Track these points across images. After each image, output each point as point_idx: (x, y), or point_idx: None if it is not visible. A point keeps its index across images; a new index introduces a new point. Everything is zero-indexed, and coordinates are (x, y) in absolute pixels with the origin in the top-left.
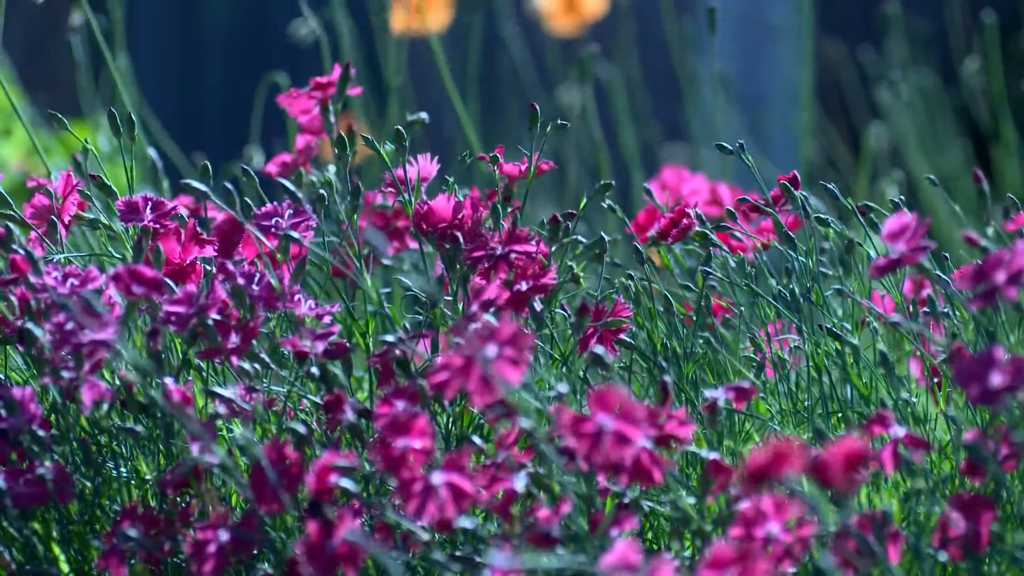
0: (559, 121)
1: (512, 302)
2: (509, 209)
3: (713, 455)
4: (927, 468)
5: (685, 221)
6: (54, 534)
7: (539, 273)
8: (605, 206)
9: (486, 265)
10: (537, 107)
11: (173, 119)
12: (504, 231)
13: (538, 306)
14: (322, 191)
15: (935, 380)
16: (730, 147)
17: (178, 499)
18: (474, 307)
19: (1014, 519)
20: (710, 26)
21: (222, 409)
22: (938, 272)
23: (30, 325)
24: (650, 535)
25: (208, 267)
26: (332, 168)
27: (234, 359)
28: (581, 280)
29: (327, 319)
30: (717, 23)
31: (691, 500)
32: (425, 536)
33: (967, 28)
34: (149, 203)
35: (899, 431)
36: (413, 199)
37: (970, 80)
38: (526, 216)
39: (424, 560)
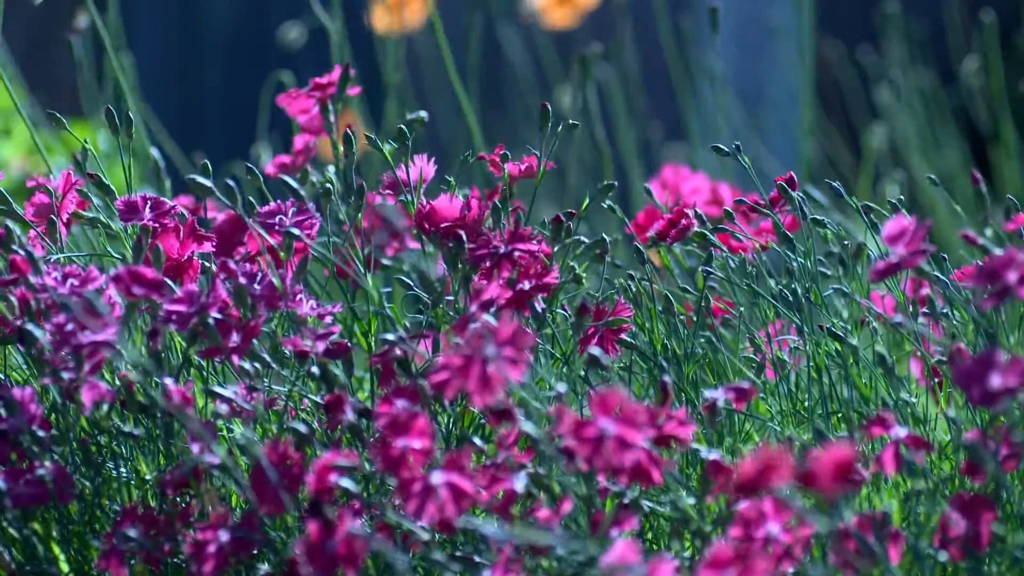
0: (560, 120)
1: (514, 301)
2: (511, 208)
3: (713, 455)
4: (927, 468)
5: (684, 221)
6: (54, 534)
7: (542, 272)
8: (605, 206)
9: (488, 264)
10: (548, 106)
11: (174, 119)
12: (507, 230)
13: (540, 306)
14: (328, 187)
15: (935, 380)
16: (727, 149)
17: (178, 499)
18: (475, 306)
19: (1014, 519)
20: (712, 25)
21: (223, 409)
22: (937, 273)
23: (30, 325)
24: (650, 535)
25: (207, 264)
26: (331, 168)
27: (235, 358)
28: (583, 280)
29: (328, 319)
30: (717, 23)
31: (691, 500)
32: (425, 536)
33: (966, 28)
34: (148, 202)
35: (900, 432)
36: (414, 199)
37: (969, 80)
38: (530, 217)
39: (424, 560)
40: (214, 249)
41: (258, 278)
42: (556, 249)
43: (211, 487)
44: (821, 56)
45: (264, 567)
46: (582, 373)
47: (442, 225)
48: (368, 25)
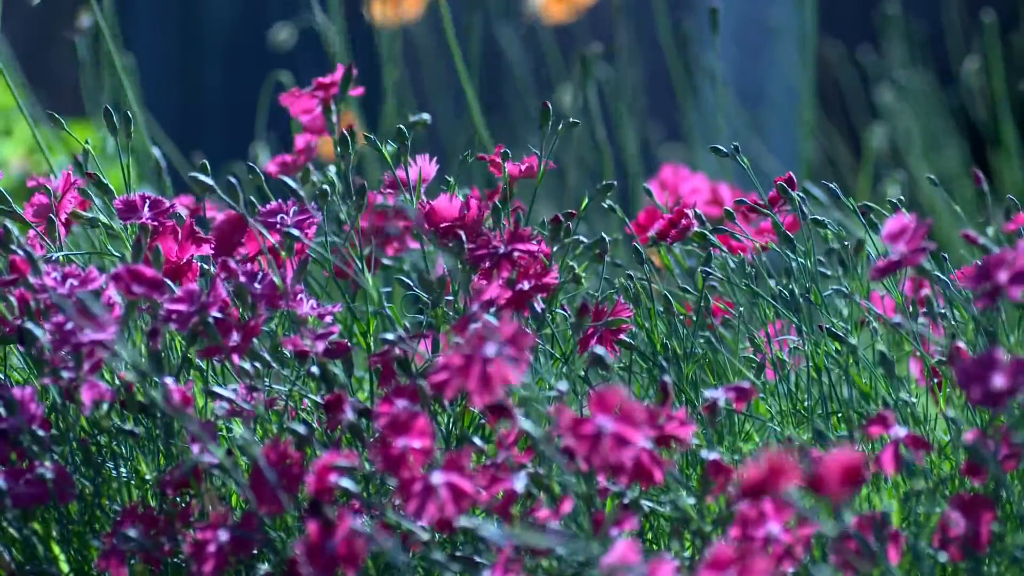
0: (563, 119)
1: (514, 301)
2: (510, 209)
3: (713, 455)
4: (927, 468)
5: (684, 221)
6: (54, 534)
7: (541, 272)
8: (605, 206)
9: (488, 264)
10: (549, 105)
11: (174, 119)
12: (507, 230)
13: (539, 306)
14: (326, 187)
15: (935, 380)
16: (725, 150)
17: (178, 499)
18: (475, 306)
19: (1014, 519)
20: (712, 26)
21: (222, 408)
22: (937, 273)
23: (30, 325)
24: (650, 535)
25: (206, 266)
26: (332, 168)
27: (235, 358)
28: (583, 280)
29: (328, 318)
30: (717, 23)
31: (691, 500)
32: (425, 536)
33: (966, 28)
34: (147, 201)
35: (899, 432)
36: (414, 199)
37: (968, 80)
38: (529, 216)
39: (424, 560)
40: (213, 252)
41: (258, 277)
42: (555, 249)
43: (211, 487)
44: (821, 56)
45: (264, 567)
46: (582, 373)
47: (442, 225)
48: (368, 24)
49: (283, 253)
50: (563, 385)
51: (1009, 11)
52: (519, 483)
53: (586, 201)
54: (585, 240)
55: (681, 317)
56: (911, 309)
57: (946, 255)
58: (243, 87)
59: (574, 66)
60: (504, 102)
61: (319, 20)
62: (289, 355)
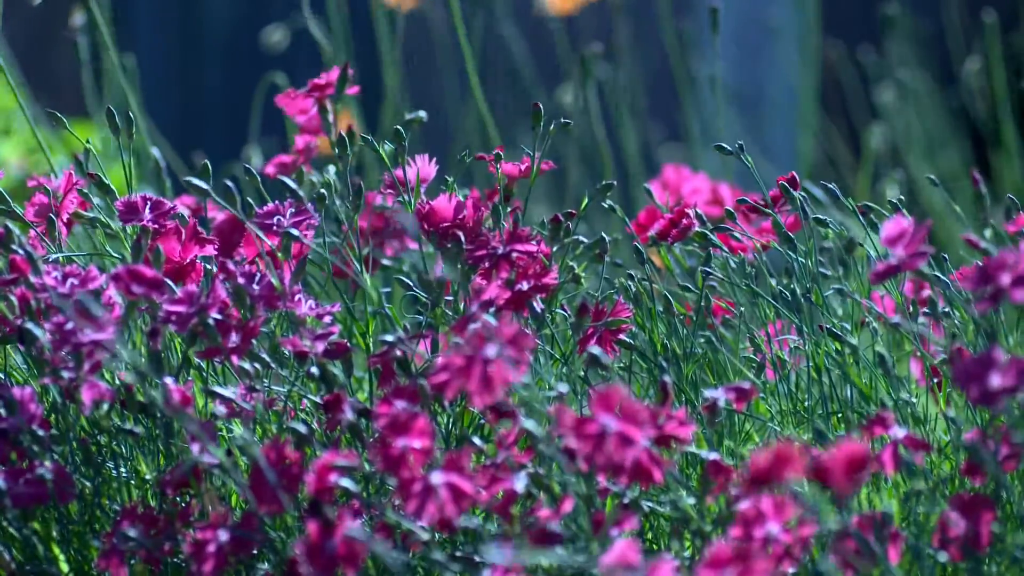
0: (560, 120)
1: (513, 302)
2: (509, 209)
3: (713, 455)
4: (927, 468)
5: (685, 221)
6: (54, 534)
7: (540, 273)
8: (605, 206)
9: (487, 264)
10: (540, 105)
11: (174, 119)
12: (506, 230)
13: (539, 306)
14: (323, 190)
15: (935, 380)
16: (729, 148)
17: (178, 499)
18: (474, 307)
19: (1014, 519)
20: (712, 26)
21: (222, 409)
22: (937, 274)
23: (30, 325)
24: (650, 535)
25: (208, 266)
26: (332, 168)
27: (234, 358)
28: (582, 280)
29: (327, 319)
30: (718, 23)
31: (691, 500)
32: (425, 536)
33: (967, 28)
34: (148, 203)
35: (899, 432)
36: (413, 200)
37: (969, 80)
38: (526, 216)
39: (424, 560)
40: (216, 252)
41: (257, 278)
42: (555, 249)
43: (211, 487)
44: (821, 56)
45: (264, 567)
46: (582, 373)
47: (441, 225)
48: (368, 20)
49: (280, 255)
50: (563, 387)
51: (1010, 11)
52: (519, 483)
53: (586, 201)
54: (585, 240)
55: (681, 317)
56: (911, 309)
57: (946, 255)
58: (243, 87)
59: (575, 64)
60: (503, 101)
61: (313, 25)
62: (288, 356)
